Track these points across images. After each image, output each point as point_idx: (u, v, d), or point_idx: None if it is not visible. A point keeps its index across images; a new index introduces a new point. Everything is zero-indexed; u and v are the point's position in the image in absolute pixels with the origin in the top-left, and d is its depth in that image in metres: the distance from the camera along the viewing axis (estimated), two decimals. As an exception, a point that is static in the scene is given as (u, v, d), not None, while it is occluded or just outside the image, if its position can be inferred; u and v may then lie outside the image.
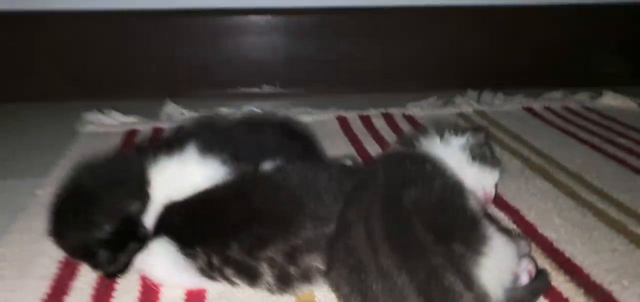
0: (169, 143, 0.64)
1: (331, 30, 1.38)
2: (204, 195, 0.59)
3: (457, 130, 0.72)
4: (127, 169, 0.60)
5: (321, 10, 1.37)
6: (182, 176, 0.61)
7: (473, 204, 0.60)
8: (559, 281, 0.59)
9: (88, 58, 1.33)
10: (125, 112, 1.18)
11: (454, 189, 0.59)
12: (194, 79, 1.38)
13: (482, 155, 0.69)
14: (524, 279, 0.55)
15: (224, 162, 0.63)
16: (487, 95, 1.29)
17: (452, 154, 0.67)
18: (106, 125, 1.14)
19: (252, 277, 0.55)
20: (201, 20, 1.34)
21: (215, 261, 0.55)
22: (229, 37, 1.36)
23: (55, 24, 1.29)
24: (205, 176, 0.61)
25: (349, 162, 0.74)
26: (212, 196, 0.60)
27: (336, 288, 0.54)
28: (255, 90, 1.41)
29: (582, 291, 0.57)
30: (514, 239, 0.62)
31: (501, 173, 0.74)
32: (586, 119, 1.16)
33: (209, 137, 0.65)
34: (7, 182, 0.94)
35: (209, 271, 0.56)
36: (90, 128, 1.12)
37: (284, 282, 0.55)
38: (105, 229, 0.56)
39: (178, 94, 1.30)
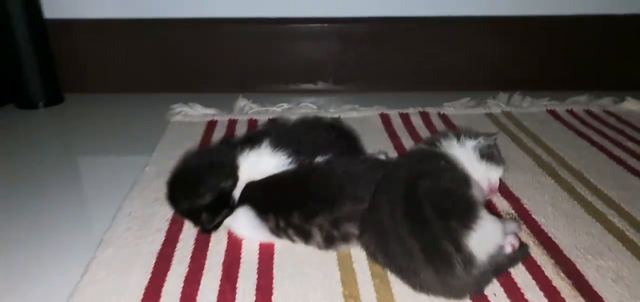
0: (250, 139, 0.86)
1: (378, 37, 1.56)
2: (274, 178, 0.81)
3: (472, 134, 0.90)
4: (222, 157, 0.83)
5: (369, 19, 1.55)
6: (259, 164, 0.82)
7: (475, 193, 0.79)
8: (537, 253, 0.76)
9: (177, 57, 1.59)
10: (205, 103, 1.41)
11: (460, 181, 0.78)
12: (261, 76, 1.61)
13: (490, 154, 0.87)
14: (507, 250, 0.74)
15: (289, 155, 0.83)
16: (516, 98, 1.43)
17: (465, 153, 0.86)
18: (190, 116, 1.36)
19: (306, 237, 0.76)
20: (268, 27, 1.56)
21: (282, 224, 0.77)
22: (291, 42, 1.57)
23: (149, 29, 1.55)
24: (276, 164, 0.82)
25: (382, 157, 0.94)
26: (280, 179, 0.81)
27: (366, 247, 0.74)
28: (311, 86, 1.62)
29: (553, 261, 0.74)
30: (505, 221, 0.81)
31: (505, 170, 0.92)
32: (603, 122, 1.28)
33: (279, 136, 0.86)
34: (119, 158, 1.20)
35: (277, 230, 0.77)
36: (177, 118, 1.35)
37: (329, 242, 0.76)
38: (207, 199, 0.78)
39: (248, 89, 1.53)
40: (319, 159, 0.85)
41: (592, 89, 1.49)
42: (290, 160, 0.83)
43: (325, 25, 1.56)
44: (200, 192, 0.78)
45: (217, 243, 0.80)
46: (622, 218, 0.85)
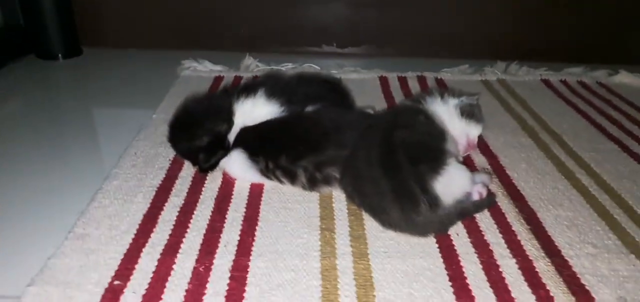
0: (246, 88, 0.93)
1: (383, 3, 1.61)
2: (266, 124, 0.88)
3: (455, 93, 0.96)
4: (219, 103, 0.90)
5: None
6: (253, 111, 0.89)
7: (450, 146, 0.85)
8: (503, 202, 0.83)
9: (190, 16, 1.65)
10: (214, 61, 1.48)
11: (435, 134, 0.84)
12: (269, 38, 1.67)
13: (470, 113, 0.93)
14: (475, 197, 0.80)
15: (281, 104, 0.90)
16: (513, 67, 1.47)
17: (447, 110, 0.92)
18: (199, 71, 1.44)
19: (292, 178, 0.84)
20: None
21: (270, 165, 0.84)
22: (299, 5, 1.63)
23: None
24: (269, 112, 0.90)
25: (370, 111, 1.01)
26: (271, 125, 0.88)
27: (345, 189, 0.81)
28: (316, 49, 1.68)
29: (516, 209, 0.81)
30: (477, 172, 0.88)
31: (488, 129, 0.98)
32: (593, 93, 1.33)
33: (273, 86, 0.93)
34: (130, 107, 1.27)
35: (266, 172, 0.85)
36: (186, 72, 1.43)
37: (312, 183, 0.83)
38: (204, 140, 0.86)
39: (255, 49, 1.58)
40: (309, 109, 0.92)
41: (596, 62, 1.52)
42: (282, 108, 0.91)
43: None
44: (197, 135, 0.86)
45: (212, 181, 0.88)
46: (589, 176, 0.91)
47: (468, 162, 0.95)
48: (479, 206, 0.80)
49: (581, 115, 1.18)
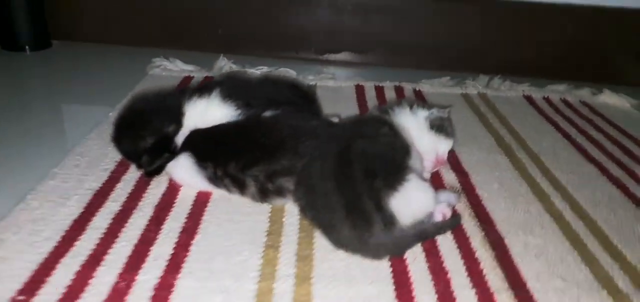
0: (201, 88, 0.86)
1: (366, 10, 1.55)
2: (218, 128, 0.81)
3: (426, 105, 0.90)
4: (168, 102, 0.83)
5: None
6: (206, 113, 0.83)
7: (413, 161, 0.78)
8: (470, 224, 0.76)
9: (166, 14, 1.60)
10: (189, 61, 1.42)
11: (397, 147, 0.78)
12: (246, 41, 1.61)
13: (440, 126, 0.86)
14: (437, 218, 0.74)
15: (238, 107, 0.84)
16: (496, 81, 1.41)
17: (415, 122, 0.85)
18: (169, 70, 1.37)
19: (241, 187, 0.77)
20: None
21: (219, 172, 0.77)
22: (281, 10, 1.58)
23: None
24: (223, 115, 0.83)
25: (335, 119, 0.94)
26: (223, 129, 0.81)
27: (298, 202, 0.74)
28: (294, 55, 1.62)
29: (483, 233, 0.74)
30: (442, 191, 0.81)
31: (462, 145, 0.92)
32: (576, 111, 1.27)
33: (230, 88, 0.86)
34: (89, 107, 1.20)
35: (214, 179, 0.78)
36: (156, 71, 1.36)
37: (263, 194, 0.76)
38: (149, 142, 0.79)
39: (234, 51, 1.51)
40: (268, 113, 0.85)
41: (581, 80, 1.47)
42: (239, 112, 0.84)
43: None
44: (142, 135, 0.79)
45: (156, 187, 0.81)
46: (563, 200, 0.85)
47: (436, 179, 0.89)
48: (441, 228, 0.73)
49: (561, 135, 1.12)
